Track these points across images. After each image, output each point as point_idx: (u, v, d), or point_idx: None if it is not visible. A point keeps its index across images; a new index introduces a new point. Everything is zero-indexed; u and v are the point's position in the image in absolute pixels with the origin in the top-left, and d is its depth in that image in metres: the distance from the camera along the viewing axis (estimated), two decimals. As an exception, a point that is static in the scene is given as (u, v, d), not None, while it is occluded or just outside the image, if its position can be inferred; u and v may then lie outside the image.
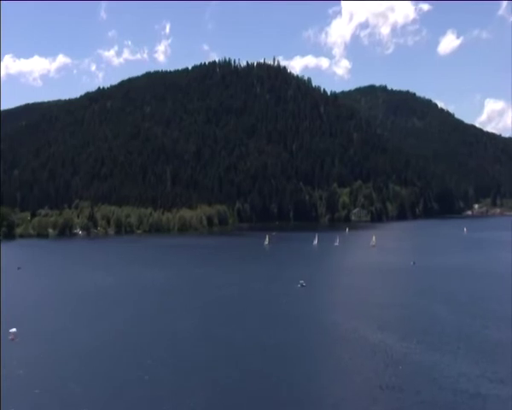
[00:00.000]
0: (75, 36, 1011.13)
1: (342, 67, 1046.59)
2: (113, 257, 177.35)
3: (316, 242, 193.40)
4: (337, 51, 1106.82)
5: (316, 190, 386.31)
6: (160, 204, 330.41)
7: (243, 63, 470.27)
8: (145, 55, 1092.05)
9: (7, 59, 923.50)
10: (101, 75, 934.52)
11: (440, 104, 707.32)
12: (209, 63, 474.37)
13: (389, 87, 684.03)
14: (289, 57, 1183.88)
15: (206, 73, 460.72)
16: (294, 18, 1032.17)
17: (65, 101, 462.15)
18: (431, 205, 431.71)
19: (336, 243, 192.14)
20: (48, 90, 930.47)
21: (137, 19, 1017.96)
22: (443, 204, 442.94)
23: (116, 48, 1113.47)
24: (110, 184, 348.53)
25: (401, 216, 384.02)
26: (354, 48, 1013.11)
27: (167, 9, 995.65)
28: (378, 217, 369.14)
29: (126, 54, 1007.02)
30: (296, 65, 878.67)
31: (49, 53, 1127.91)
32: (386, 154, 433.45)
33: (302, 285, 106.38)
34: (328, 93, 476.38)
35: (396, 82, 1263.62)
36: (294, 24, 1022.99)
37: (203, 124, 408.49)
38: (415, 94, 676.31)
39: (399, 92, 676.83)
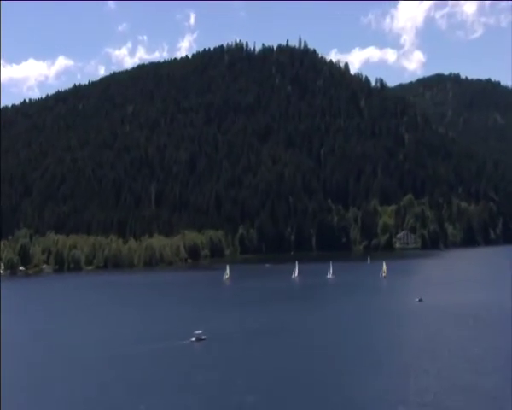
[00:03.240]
0: (77, 33, 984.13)
1: (414, 60, 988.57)
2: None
3: (295, 274, 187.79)
4: (406, 39, 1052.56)
5: (350, 209, 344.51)
6: (130, 231, 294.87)
7: (259, 46, 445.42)
8: (165, 54, 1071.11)
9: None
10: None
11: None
12: (215, 48, 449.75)
13: (462, 76, 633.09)
14: (345, 50, 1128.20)
15: (209, 62, 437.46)
16: (350, 1, 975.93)
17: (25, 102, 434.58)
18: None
19: (329, 276, 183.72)
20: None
21: (154, 8, 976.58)
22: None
23: (129, 45, 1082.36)
24: (70, 208, 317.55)
25: (468, 241, 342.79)
26: (428, 34, 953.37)
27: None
28: (433, 243, 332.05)
29: (141, 52, 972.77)
30: (354, 59, 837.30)
31: (47, 55, 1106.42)
32: (450, 159, 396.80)
33: (199, 338, 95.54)
34: (373, 82, 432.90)
35: (473, 70, 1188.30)
36: (350, 8, 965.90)
37: (201, 125, 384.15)
38: (499, 83, 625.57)
39: (477, 82, 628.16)
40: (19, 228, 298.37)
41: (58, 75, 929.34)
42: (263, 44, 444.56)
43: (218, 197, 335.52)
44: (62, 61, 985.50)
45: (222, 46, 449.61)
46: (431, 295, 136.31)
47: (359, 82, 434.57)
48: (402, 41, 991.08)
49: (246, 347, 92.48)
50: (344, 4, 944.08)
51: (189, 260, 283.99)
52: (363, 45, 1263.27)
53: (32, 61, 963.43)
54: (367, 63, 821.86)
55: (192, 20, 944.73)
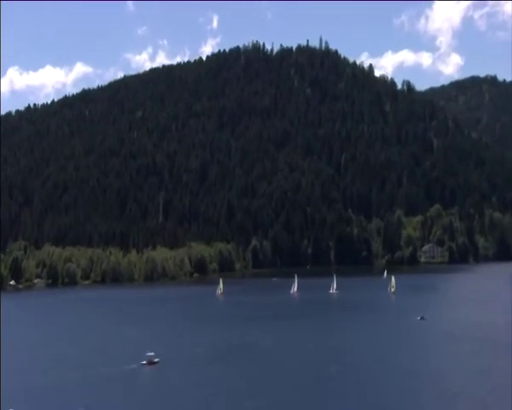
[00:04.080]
0: (95, 38, 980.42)
1: (451, 64, 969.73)
2: None
3: (294, 289, 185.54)
4: (442, 41, 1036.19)
5: (373, 219, 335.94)
6: (133, 243, 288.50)
7: (277, 47, 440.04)
8: (186, 59, 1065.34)
9: (11, 72, 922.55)
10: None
11: None
12: (230, 50, 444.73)
13: (500, 78, 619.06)
14: (377, 54, 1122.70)
15: (224, 64, 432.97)
16: (381, 1, 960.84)
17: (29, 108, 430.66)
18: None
19: (332, 291, 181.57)
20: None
21: (175, 10, 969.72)
22: None
23: (150, 50, 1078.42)
24: (72, 219, 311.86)
25: (501, 255, 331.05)
26: (466, 35, 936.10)
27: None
28: (462, 257, 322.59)
29: (162, 57, 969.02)
30: (387, 63, 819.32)
31: (65, 62, 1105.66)
32: (483, 167, 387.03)
33: (151, 362, 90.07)
34: (399, 85, 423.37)
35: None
36: (382, 9, 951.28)
37: (213, 131, 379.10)
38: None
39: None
40: (17, 239, 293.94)
41: (76, 82, 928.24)
42: (281, 45, 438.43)
43: (229, 207, 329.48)
44: (80, 68, 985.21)
45: (238, 47, 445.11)
46: (437, 313, 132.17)
47: (384, 84, 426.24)
48: (438, 43, 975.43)
49: (199, 372, 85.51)
50: (374, 4, 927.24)
51: (196, 275, 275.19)
52: (396, 48, 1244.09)
53: (49, 68, 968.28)
54: (400, 67, 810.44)
55: (215, 24, 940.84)
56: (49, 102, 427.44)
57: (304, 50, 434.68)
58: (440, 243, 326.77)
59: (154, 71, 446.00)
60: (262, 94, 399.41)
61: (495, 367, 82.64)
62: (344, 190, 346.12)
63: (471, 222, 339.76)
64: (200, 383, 78.72)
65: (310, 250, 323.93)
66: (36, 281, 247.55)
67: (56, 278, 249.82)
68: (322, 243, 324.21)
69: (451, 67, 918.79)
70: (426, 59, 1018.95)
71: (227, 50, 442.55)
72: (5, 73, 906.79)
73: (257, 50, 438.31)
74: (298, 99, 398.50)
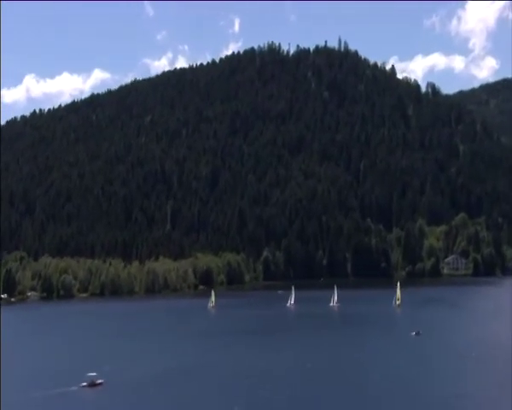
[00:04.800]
0: (114, 43, 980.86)
1: (485, 67, 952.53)
2: None
3: (291, 302, 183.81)
4: (476, 44, 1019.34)
5: (393, 229, 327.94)
6: (137, 254, 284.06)
7: (293, 48, 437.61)
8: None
9: (28, 80, 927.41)
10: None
11: None
12: (245, 51, 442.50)
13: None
14: (406, 57, 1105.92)
15: (238, 66, 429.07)
16: (410, 1, 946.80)
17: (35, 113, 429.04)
18: None
19: (332, 304, 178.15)
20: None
21: (195, 14, 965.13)
22: None
23: (169, 55, 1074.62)
24: (74, 229, 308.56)
25: None
26: (501, 37, 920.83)
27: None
28: (487, 269, 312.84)
29: (182, 62, 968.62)
30: (416, 67, 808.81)
31: (82, 68, 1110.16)
32: None
33: (93, 383, 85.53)
34: (423, 88, 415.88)
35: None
36: (411, 10, 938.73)
37: (225, 136, 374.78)
38: None
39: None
40: (18, 250, 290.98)
41: (93, 89, 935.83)
42: (297, 46, 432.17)
43: (241, 216, 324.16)
44: (98, 74, 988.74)
45: (253, 49, 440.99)
46: (438, 328, 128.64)
47: (407, 87, 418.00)
48: (471, 45, 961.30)
49: (143, 396, 79.97)
50: (403, 5, 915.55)
51: (201, 287, 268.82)
52: (427, 52, 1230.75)
53: (66, 75, 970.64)
54: (431, 72, 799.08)
55: (236, 27, 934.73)
56: (55, 107, 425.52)
57: (322, 52, 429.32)
58: (465, 254, 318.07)
59: (165, 74, 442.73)
60: (277, 97, 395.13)
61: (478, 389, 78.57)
62: (362, 197, 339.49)
63: (498, 232, 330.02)
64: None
65: (325, 261, 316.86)
66: (29, 294, 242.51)
67: (51, 291, 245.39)
68: (338, 253, 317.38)
69: (486, 71, 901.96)
70: (458, 62, 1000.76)
71: (241, 52, 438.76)
72: (21, 80, 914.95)
73: (272, 52, 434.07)
74: (315, 102, 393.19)
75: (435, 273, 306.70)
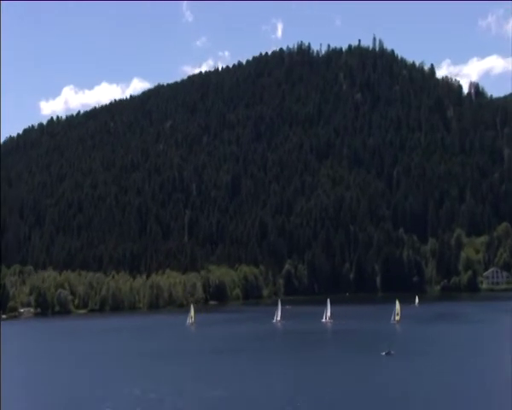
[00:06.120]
0: (152, 52, 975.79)
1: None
2: None
3: (277, 318, 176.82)
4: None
5: (429, 240, 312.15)
6: (145, 267, 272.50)
7: (324, 49, 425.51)
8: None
9: (66, 91, 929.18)
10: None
11: None
12: (273, 52, 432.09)
13: None
14: (460, 61, 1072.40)
15: (265, 68, 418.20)
16: (463, 1, 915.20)
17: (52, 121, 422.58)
18: None
19: (323, 320, 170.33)
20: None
21: (235, 19, 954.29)
22: None
23: (210, 62, 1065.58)
24: (84, 241, 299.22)
25: None
26: None
27: (278, 3, 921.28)
28: None
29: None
30: (472, 71, 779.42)
31: (121, 78, 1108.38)
32: None
33: None
34: (465, 90, 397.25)
35: None
36: (464, 10, 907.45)
37: (249, 142, 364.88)
38: None
39: None
40: (24, 262, 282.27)
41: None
42: (328, 45, 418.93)
43: (262, 226, 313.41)
44: (137, 84, 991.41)
45: (281, 49, 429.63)
46: (419, 348, 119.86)
47: (447, 88, 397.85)
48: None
49: None
50: (456, 5, 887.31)
51: (212, 302, 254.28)
52: (483, 54, 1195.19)
53: (104, 85, 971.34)
54: (487, 75, 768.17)
55: (279, 32, 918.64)
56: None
57: (354, 52, 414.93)
58: (506, 267, 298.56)
59: (190, 78, 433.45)
60: (305, 101, 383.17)
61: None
62: (395, 206, 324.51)
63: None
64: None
65: (352, 275, 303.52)
66: (22, 310, 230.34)
67: (46, 307, 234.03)
68: (366, 266, 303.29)
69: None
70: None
71: (269, 53, 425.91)
72: (60, 92, 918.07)
73: (302, 52, 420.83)
74: (345, 105, 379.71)
75: (472, 288, 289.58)
